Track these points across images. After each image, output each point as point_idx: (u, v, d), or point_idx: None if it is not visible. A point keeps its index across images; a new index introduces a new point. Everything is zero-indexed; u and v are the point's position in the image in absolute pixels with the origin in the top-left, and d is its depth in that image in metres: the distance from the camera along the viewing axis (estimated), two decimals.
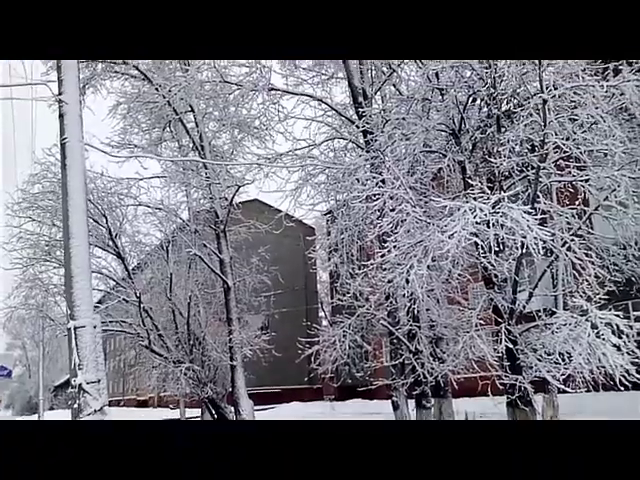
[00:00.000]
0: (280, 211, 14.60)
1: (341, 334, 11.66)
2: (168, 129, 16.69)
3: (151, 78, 14.41)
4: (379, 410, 18.43)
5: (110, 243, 15.69)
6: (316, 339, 12.52)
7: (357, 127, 12.32)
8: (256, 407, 15.43)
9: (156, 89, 14.00)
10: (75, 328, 5.66)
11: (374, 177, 10.55)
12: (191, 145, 16.48)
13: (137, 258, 17.80)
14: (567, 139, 8.39)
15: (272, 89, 12.73)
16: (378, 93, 13.16)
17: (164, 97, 13.52)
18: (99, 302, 16.58)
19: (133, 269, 17.23)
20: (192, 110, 15.37)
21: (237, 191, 15.97)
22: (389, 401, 12.43)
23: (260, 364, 17.34)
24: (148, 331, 15.28)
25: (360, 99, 12.48)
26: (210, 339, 16.52)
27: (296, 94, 13.28)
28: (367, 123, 11.74)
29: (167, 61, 15.36)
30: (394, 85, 12.85)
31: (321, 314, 40.92)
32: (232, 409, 15.00)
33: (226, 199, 16.32)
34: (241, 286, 17.84)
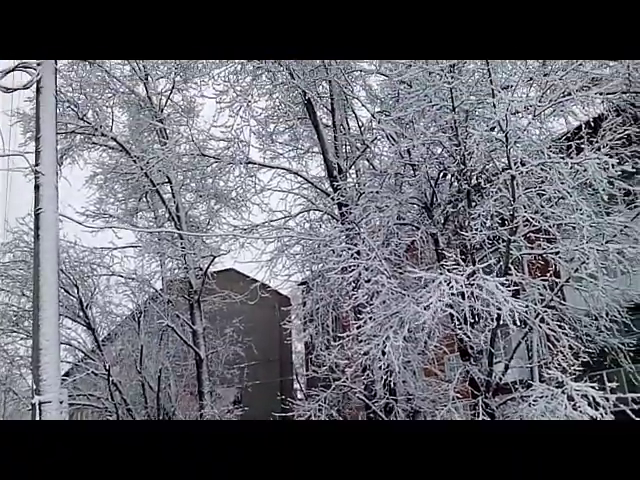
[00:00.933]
0: (255, 280, 14.56)
1: (316, 408, 11.41)
2: (144, 199, 16.81)
3: (129, 150, 14.64)
4: None
5: (81, 314, 15.40)
6: (291, 413, 12.22)
7: (332, 199, 12.57)
8: None
9: (134, 161, 14.19)
10: (40, 403, 5.46)
11: (349, 248, 10.67)
12: (167, 215, 16.57)
13: (107, 329, 17.44)
14: (536, 213, 8.68)
15: (249, 162, 13.00)
16: (352, 167, 13.53)
17: (142, 169, 13.68)
18: (66, 374, 16.03)
19: (103, 340, 16.82)
20: (169, 181, 15.57)
21: (212, 261, 15.97)
22: None
23: None
24: (116, 405, 14.78)
25: (335, 173, 12.81)
26: (181, 414, 16.01)
27: (273, 167, 13.59)
28: (342, 196, 11.99)
29: (145, 133, 15.70)
30: (368, 160, 13.24)
31: (296, 386, 40.10)
32: None
33: (201, 269, 16.28)
34: (214, 358, 17.48)
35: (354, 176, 13.71)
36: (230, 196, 15.13)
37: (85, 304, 15.27)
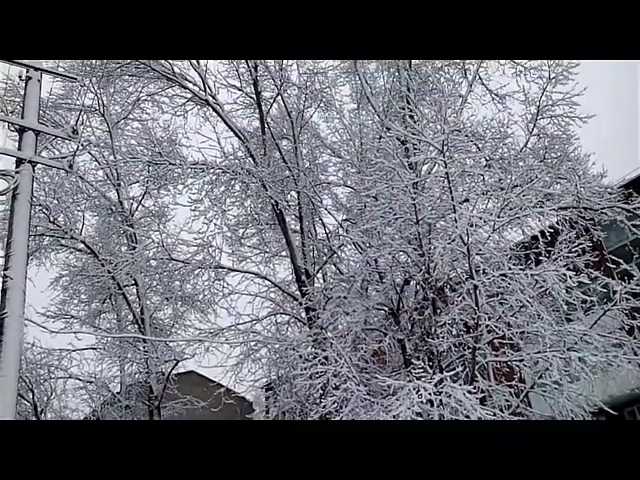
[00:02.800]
0: (220, 385, 14.26)
1: None
2: (108, 301, 16.60)
3: (97, 252, 14.68)
4: None
5: (34, 419, 14.65)
6: None
7: (300, 304, 12.72)
8: None
9: (102, 264, 14.19)
10: None
11: (317, 354, 10.70)
12: (131, 317, 16.34)
13: None
14: (499, 320, 9.00)
15: (219, 267, 13.18)
16: (320, 272, 13.83)
17: (109, 272, 13.67)
18: None
19: None
20: (135, 284, 15.52)
21: (175, 365, 15.63)
22: None
23: None
24: None
25: (303, 277, 13.07)
26: None
27: (241, 271, 13.77)
28: (309, 300, 12.17)
29: (114, 236, 15.82)
30: (335, 265, 13.60)
31: None
32: None
33: (163, 373, 15.86)
34: None
35: (321, 281, 13.98)
36: (197, 299, 15.12)
37: (40, 409, 14.58)
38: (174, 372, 16.17)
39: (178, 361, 15.22)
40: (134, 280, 15.44)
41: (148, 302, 16.02)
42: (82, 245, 14.93)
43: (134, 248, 14.00)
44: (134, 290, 15.96)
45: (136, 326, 15.82)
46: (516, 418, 9.18)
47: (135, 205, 15.85)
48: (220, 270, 13.33)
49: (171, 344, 15.70)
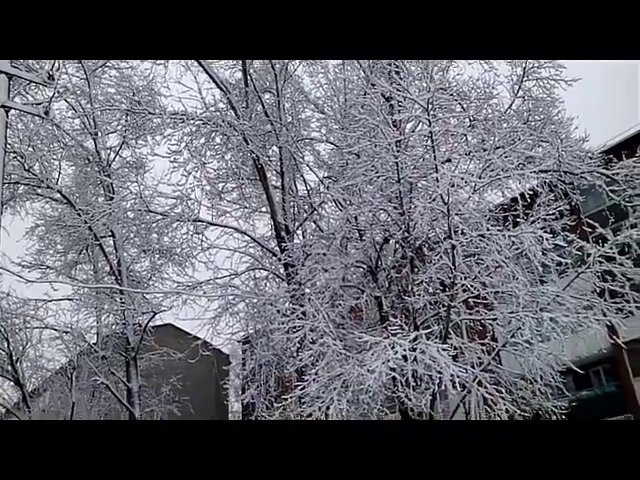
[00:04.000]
0: (197, 338, 14.37)
1: None
2: (84, 252, 16.43)
3: (74, 202, 14.43)
4: None
5: (9, 368, 14.67)
6: None
7: (279, 260, 12.75)
8: None
9: (78, 214, 13.98)
10: None
11: (295, 309, 10.79)
12: (107, 269, 16.23)
13: (37, 384, 16.65)
14: (474, 280, 9.14)
15: (197, 220, 13.07)
16: (300, 229, 13.82)
17: (86, 222, 13.48)
18: None
19: (30, 394, 16.05)
20: (113, 235, 15.35)
21: (152, 317, 15.66)
22: None
23: None
24: None
25: (282, 233, 13.04)
26: None
27: (220, 226, 13.69)
28: (289, 256, 12.20)
29: (91, 186, 15.55)
30: (315, 222, 13.58)
31: None
32: None
33: (140, 325, 15.90)
34: (148, 417, 16.84)
35: (301, 237, 13.99)
36: (175, 252, 15.04)
37: (15, 358, 14.58)
38: (151, 324, 16.23)
39: (155, 313, 15.25)
40: (111, 231, 15.27)
41: (125, 254, 15.90)
42: (58, 195, 14.65)
43: (111, 199, 13.79)
44: (111, 242, 15.81)
45: (113, 278, 15.74)
46: (487, 375, 9.41)
47: (112, 155, 15.52)
48: (199, 224, 13.24)
49: (148, 296, 15.69)
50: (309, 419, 8.64)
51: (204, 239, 13.46)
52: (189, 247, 13.72)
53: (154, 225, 13.83)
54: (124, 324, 15.55)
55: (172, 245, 14.59)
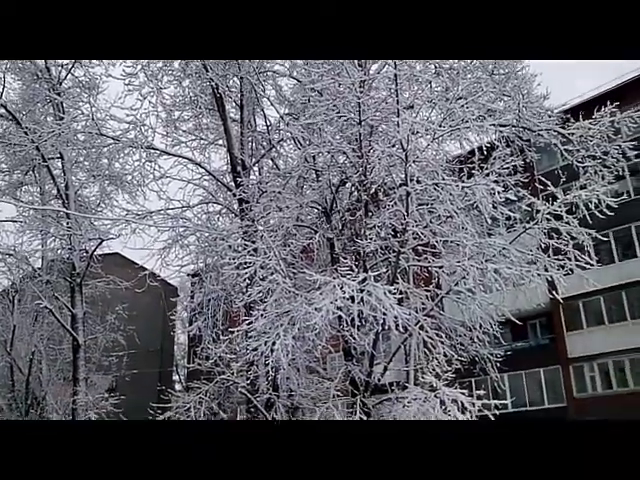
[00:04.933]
0: (143, 268, 14.21)
1: (197, 400, 11.37)
2: (31, 173, 15.78)
3: (20, 120, 13.71)
4: None
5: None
6: (169, 405, 12.08)
7: (234, 195, 12.58)
8: None
9: (25, 132, 13.31)
10: None
11: (246, 245, 10.75)
12: (55, 192, 15.68)
13: None
14: (425, 228, 9.28)
15: (151, 148, 12.66)
16: (256, 165, 13.59)
17: (33, 141, 12.85)
18: None
19: None
20: (61, 157, 14.75)
21: (100, 244, 15.36)
22: None
23: None
24: None
25: (238, 168, 12.81)
26: (51, 399, 15.27)
27: (174, 155, 13.32)
28: (244, 192, 12.04)
29: (39, 104, 14.78)
30: (272, 159, 13.38)
31: (175, 378, 39.31)
32: None
33: (86, 251, 15.60)
34: (92, 344, 16.78)
35: (257, 174, 13.79)
36: (126, 179, 14.62)
37: None
38: (98, 252, 15.95)
39: (102, 240, 14.95)
40: (60, 153, 14.65)
41: (74, 178, 15.38)
42: (3, 110, 13.88)
43: (61, 119, 13.15)
44: (59, 164, 15.21)
45: (60, 201, 15.24)
46: (429, 320, 9.72)
47: (64, 73, 14.71)
48: (152, 152, 12.83)
49: (96, 223, 15.29)
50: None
51: (157, 168, 13.09)
52: (141, 175, 13.32)
53: (105, 150, 13.34)
54: (70, 249, 15.19)
55: (123, 172, 14.16)
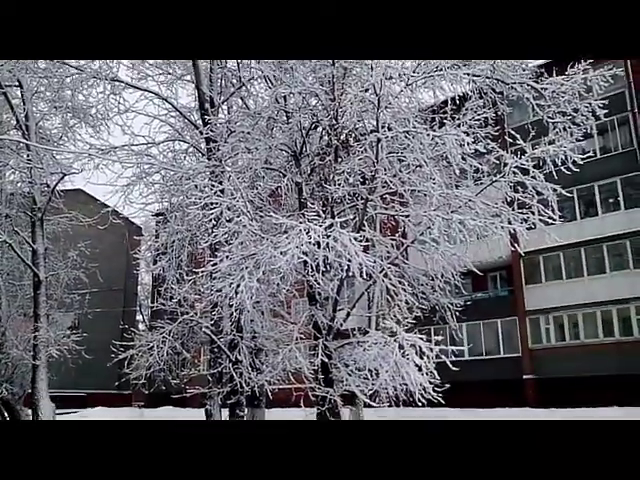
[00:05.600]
0: (106, 205, 13.91)
1: (160, 340, 11.42)
2: None
3: None
4: (191, 418, 18.21)
5: None
6: (132, 343, 12.10)
7: (201, 133, 12.27)
8: (58, 411, 14.39)
9: None
10: None
11: (213, 185, 10.58)
12: (14, 122, 15.03)
13: None
14: (394, 177, 9.26)
15: (116, 80, 12.17)
16: (225, 103, 13.23)
17: None
18: None
19: None
20: (20, 86, 14.05)
21: (62, 179, 14.92)
22: (202, 409, 12.41)
23: (67, 366, 16.22)
24: None
25: (207, 105, 12.46)
26: (11, 335, 15.11)
27: (140, 89, 12.85)
28: (211, 131, 11.75)
29: None
30: (242, 98, 13.03)
31: (139, 317, 39.38)
32: (29, 412, 13.81)
33: (48, 186, 15.14)
34: (53, 281, 16.53)
35: (226, 113, 13.44)
36: (89, 112, 14.06)
37: None
38: (60, 187, 15.52)
39: (64, 175, 14.52)
40: (18, 81, 13.95)
41: (34, 108, 14.71)
42: None
43: None
44: (18, 93, 14.50)
45: (19, 132, 14.64)
46: (393, 268, 9.82)
47: None
48: (117, 84, 12.34)
49: (58, 157, 14.79)
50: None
51: (121, 101, 12.65)
52: (105, 108, 12.86)
53: (68, 80, 12.77)
54: (30, 183, 14.72)
55: (87, 104, 13.62)
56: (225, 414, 12.54)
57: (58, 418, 14.27)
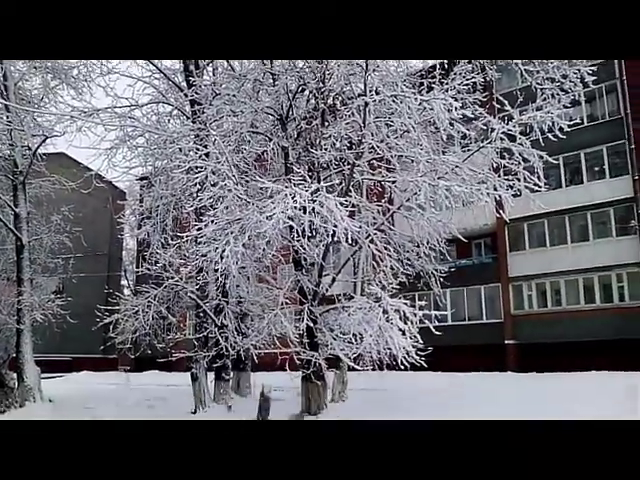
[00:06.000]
0: (89, 169, 13.71)
1: (145, 304, 11.43)
2: None
3: None
4: (177, 382, 18.36)
5: None
6: (117, 308, 12.09)
7: (185, 95, 12.05)
8: (43, 375, 14.42)
9: None
10: None
11: (198, 149, 10.45)
12: None
13: None
14: (381, 142, 9.19)
15: None
16: (210, 65, 12.97)
17: None
18: None
19: None
20: None
21: (43, 142, 14.61)
22: (188, 373, 12.51)
23: (51, 330, 16.19)
24: None
25: (191, 67, 12.21)
26: None
27: None
28: (196, 93, 11.55)
29: None
30: (227, 60, 12.77)
31: (124, 282, 39.25)
32: (14, 376, 13.82)
33: (29, 148, 14.83)
34: (37, 245, 16.35)
35: (211, 74, 13.18)
36: (71, 73, 13.71)
37: None
38: (43, 151, 15.21)
39: (46, 137, 14.21)
40: None
41: (12, 68, 14.30)
42: None
43: None
44: None
45: None
46: (379, 234, 9.83)
47: None
48: None
49: (39, 119, 14.47)
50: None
51: (104, 62, 12.32)
52: (87, 69, 12.53)
53: None
54: (11, 145, 14.41)
55: (68, 65, 13.26)
56: (211, 377, 12.65)
57: (43, 382, 14.30)
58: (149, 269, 11.88)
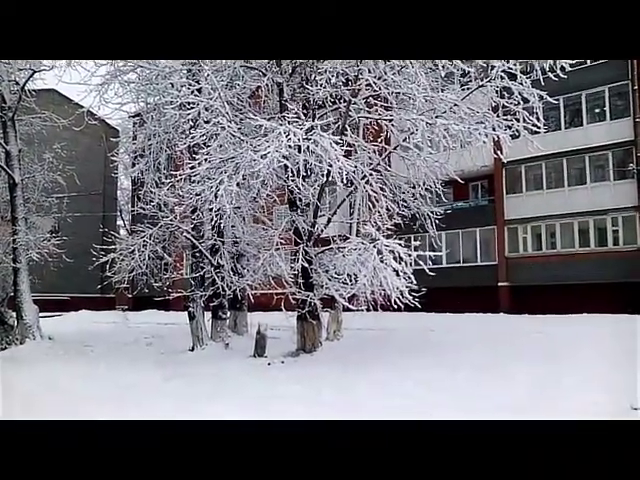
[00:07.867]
0: (81, 106, 13.36)
1: (141, 243, 11.40)
2: None
3: None
4: (174, 320, 18.64)
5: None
6: (113, 247, 12.09)
7: None
8: (41, 314, 14.57)
9: None
10: None
11: (190, 84, 10.17)
12: None
13: None
14: (379, 78, 8.93)
15: None
16: None
17: None
18: None
19: None
20: None
21: (31, 76, 14.22)
22: (185, 312, 12.65)
23: (48, 269, 16.25)
24: None
25: None
26: None
27: None
28: None
29: None
30: None
31: (119, 222, 39.25)
32: (14, 314, 13.97)
33: (17, 83, 14.45)
34: (30, 184, 16.18)
35: None
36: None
37: None
38: (33, 87, 14.81)
39: (34, 71, 13.83)
40: None
41: None
42: None
43: None
44: None
45: None
46: (375, 174, 9.71)
47: None
48: None
49: None
50: None
51: None
52: None
53: None
54: None
55: None
56: (208, 316, 12.80)
57: (42, 321, 14.46)
58: (144, 208, 11.81)
